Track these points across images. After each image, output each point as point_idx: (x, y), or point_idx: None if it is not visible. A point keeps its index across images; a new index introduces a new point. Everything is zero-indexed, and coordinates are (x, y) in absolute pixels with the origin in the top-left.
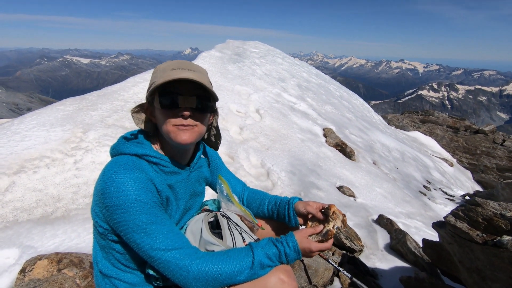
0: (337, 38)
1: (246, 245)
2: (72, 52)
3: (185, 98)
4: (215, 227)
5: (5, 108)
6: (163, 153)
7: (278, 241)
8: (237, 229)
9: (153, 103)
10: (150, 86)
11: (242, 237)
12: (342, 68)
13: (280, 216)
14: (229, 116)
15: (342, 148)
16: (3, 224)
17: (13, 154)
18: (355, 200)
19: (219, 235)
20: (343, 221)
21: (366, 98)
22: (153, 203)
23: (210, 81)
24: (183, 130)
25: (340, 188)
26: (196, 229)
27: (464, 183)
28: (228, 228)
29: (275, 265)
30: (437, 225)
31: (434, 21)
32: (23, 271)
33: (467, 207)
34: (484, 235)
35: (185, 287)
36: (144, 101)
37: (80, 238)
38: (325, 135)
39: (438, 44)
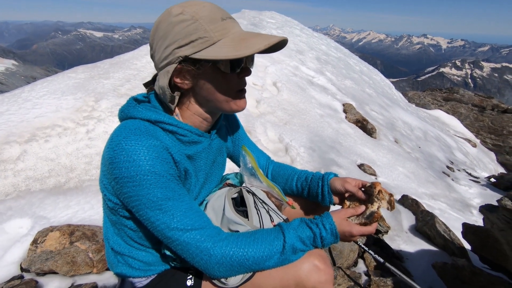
0: (356, 10)
1: (274, 225)
2: (85, 25)
3: (250, 58)
4: (239, 204)
5: (24, 82)
6: (181, 120)
7: (312, 223)
8: (264, 207)
9: (196, 67)
10: (193, 42)
11: (270, 217)
12: (360, 44)
13: (312, 193)
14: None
15: (363, 125)
16: (16, 193)
17: (24, 122)
18: (376, 179)
19: (244, 214)
20: (390, 202)
21: (385, 75)
22: (170, 175)
23: None
24: (244, 95)
25: (361, 166)
26: (218, 206)
27: (487, 165)
28: (255, 206)
29: (308, 249)
30: (486, 209)
31: None
32: (35, 242)
33: None
34: None
35: (206, 272)
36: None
37: (93, 210)
38: (345, 111)
39: (465, 17)
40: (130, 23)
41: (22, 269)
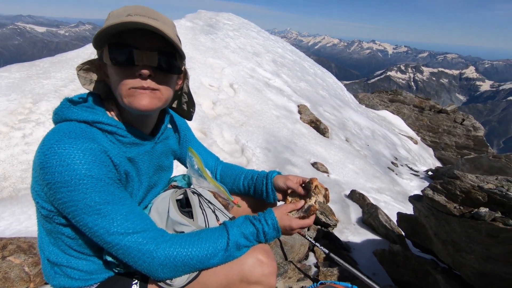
0: (312, 16)
1: (220, 224)
2: (25, 19)
3: (143, 53)
4: (184, 206)
5: None
6: (120, 121)
7: (255, 219)
8: (209, 207)
9: (100, 59)
10: (98, 35)
11: (216, 216)
12: (316, 47)
13: (258, 191)
14: (201, 90)
15: (316, 125)
16: None
17: None
18: (328, 176)
19: (190, 214)
20: (326, 196)
21: (338, 78)
22: (109, 179)
23: (178, 36)
24: (142, 93)
25: (314, 165)
26: (162, 208)
27: (426, 160)
28: (200, 206)
29: (252, 245)
30: (414, 199)
31: (404, 3)
32: None
33: (445, 180)
34: (462, 208)
35: (150, 275)
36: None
37: (31, 220)
38: (299, 112)
39: (407, 26)
40: (77, 18)
41: None
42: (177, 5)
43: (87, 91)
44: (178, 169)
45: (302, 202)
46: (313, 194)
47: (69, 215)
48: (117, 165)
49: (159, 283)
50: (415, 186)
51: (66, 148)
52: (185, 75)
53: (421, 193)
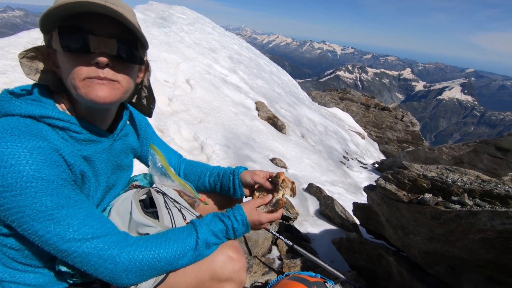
0: (266, 14)
1: (187, 223)
2: None
3: (100, 40)
4: (148, 206)
5: None
6: (73, 115)
7: (224, 216)
8: (175, 206)
9: (52, 46)
10: (46, 16)
11: (183, 215)
12: (270, 46)
13: (224, 188)
14: (155, 86)
15: (274, 122)
16: None
17: None
18: (287, 171)
19: (154, 215)
20: (293, 189)
21: (292, 76)
22: (62, 180)
23: (138, 24)
24: (99, 84)
25: (273, 160)
26: (124, 209)
27: (372, 153)
28: (165, 206)
29: (221, 242)
30: (368, 189)
31: (352, 6)
32: None
33: (395, 170)
34: (410, 195)
35: (113, 282)
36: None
37: None
38: (257, 109)
39: (354, 28)
40: (5, 3)
41: None
42: None
43: (22, 84)
44: (135, 168)
45: (270, 196)
46: (280, 188)
47: (13, 223)
48: (71, 165)
49: None
50: (364, 178)
51: (9, 147)
52: (146, 68)
53: (374, 183)
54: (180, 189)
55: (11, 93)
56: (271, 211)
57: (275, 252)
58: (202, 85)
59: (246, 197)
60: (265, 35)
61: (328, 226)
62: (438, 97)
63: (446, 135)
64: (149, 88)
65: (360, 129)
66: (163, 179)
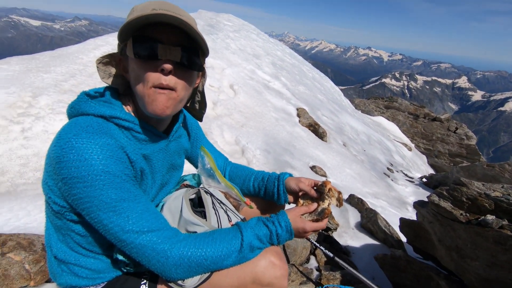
0: (309, 21)
1: (232, 225)
2: (19, 12)
3: (166, 48)
4: (197, 205)
5: None
6: (136, 117)
7: (269, 221)
8: (222, 208)
9: (126, 53)
10: (124, 28)
11: (228, 217)
12: (313, 52)
13: (268, 193)
14: None
15: (315, 129)
16: None
17: None
18: (326, 179)
19: (202, 214)
20: (339, 199)
21: (334, 83)
22: (125, 175)
23: (200, 33)
24: (160, 94)
25: (313, 168)
26: (175, 207)
27: (420, 167)
28: (213, 207)
29: (265, 246)
30: (419, 204)
31: (400, 12)
32: None
33: (451, 187)
34: (468, 215)
35: (163, 275)
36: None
37: (30, 217)
38: (298, 115)
39: (403, 34)
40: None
41: None
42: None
43: (91, 87)
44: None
45: (315, 204)
46: (326, 197)
47: (83, 211)
48: (133, 162)
49: (169, 284)
50: (410, 192)
51: (84, 143)
52: (203, 74)
53: (424, 199)
54: (226, 191)
55: (87, 94)
56: (316, 220)
57: (313, 262)
58: (245, 90)
59: (289, 203)
60: (308, 41)
61: (369, 241)
62: (499, 109)
63: (507, 151)
64: (203, 94)
65: (406, 140)
66: (210, 181)
